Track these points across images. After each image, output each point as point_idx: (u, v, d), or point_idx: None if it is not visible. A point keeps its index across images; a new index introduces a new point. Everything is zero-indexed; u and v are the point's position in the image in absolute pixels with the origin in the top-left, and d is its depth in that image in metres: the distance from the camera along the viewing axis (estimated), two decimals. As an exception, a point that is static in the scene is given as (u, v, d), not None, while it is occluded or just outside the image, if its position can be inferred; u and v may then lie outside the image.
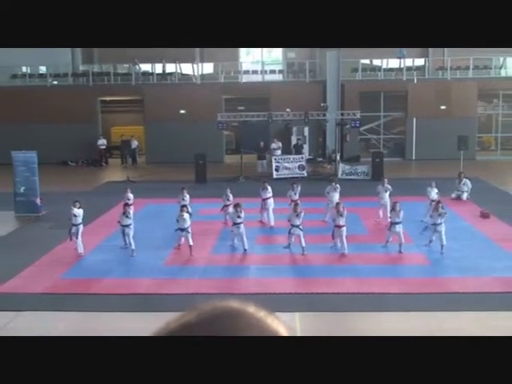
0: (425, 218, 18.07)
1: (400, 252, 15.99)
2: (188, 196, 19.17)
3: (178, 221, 16.37)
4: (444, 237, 15.95)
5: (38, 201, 21.55)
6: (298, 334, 11.54)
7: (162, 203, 20.57)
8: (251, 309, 1.15)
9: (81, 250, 16.23)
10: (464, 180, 23.03)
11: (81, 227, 16.32)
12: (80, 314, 12.63)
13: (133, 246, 16.18)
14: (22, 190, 21.65)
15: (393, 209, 16.44)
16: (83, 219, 16.54)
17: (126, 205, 17.44)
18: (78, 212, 16.25)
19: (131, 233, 16.37)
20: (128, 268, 15.50)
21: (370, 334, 11.17)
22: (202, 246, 17.19)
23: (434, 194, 19.39)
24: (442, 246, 15.91)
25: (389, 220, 16.79)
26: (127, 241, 16.38)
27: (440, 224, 15.96)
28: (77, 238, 16.24)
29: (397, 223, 16.07)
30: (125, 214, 16.47)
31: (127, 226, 16.39)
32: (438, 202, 17.02)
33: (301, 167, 29.43)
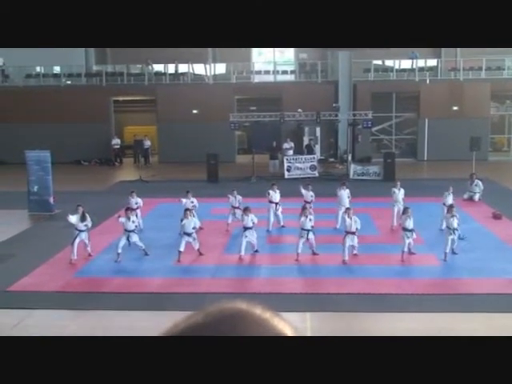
0: (443, 226, 17.62)
1: (411, 252, 15.74)
2: (195, 199, 18.90)
3: (184, 225, 16.19)
4: (456, 239, 15.71)
5: (51, 200, 21.69)
6: (309, 333, 11.44)
7: (174, 203, 20.57)
8: (258, 310, 1.17)
9: (90, 250, 16.19)
10: (476, 181, 22.92)
11: (84, 234, 16.05)
12: (92, 312, 12.69)
13: (143, 246, 16.17)
14: (35, 188, 21.80)
15: (404, 213, 16.07)
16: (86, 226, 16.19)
17: (128, 209, 16.78)
18: (74, 219, 15.94)
19: (137, 237, 16.16)
20: (139, 267, 15.53)
21: (380, 334, 11.16)
22: (214, 245, 17.23)
23: (450, 199, 18.83)
24: (452, 249, 15.69)
25: (401, 225, 16.26)
26: (138, 246, 16.11)
27: (455, 228, 15.65)
28: (88, 241, 16.06)
29: (409, 230, 15.65)
30: (129, 219, 16.08)
31: (132, 231, 16.06)
32: (451, 205, 16.64)
33: (312, 167, 29.42)
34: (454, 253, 15.74)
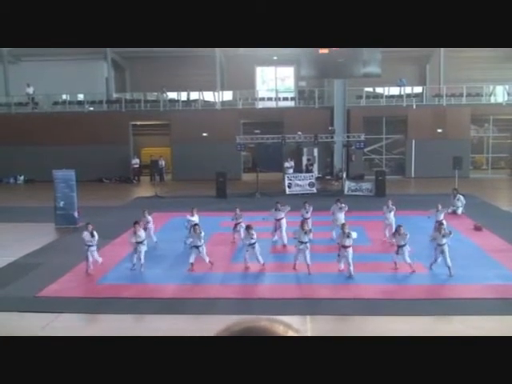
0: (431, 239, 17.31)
1: (412, 272, 14.91)
2: (197, 216, 18.36)
3: (192, 239, 15.77)
4: (448, 258, 14.70)
5: (76, 214, 21.75)
6: (309, 334, 11.49)
7: (187, 217, 20.58)
8: (280, 328, 1.10)
9: (93, 265, 15.60)
10: (458, 196, 22.87)
11: (94, 248, 15.68)
12: (112, 316, 12.66)
13: (142, 261, 15.55)
14: (61, 204, 21.87)
15: (397, 232, 15.28)
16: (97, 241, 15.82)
17: (136, 223, 15.98)
18: (89, 235, 15.55)
19: (144, 249, 15.63)
20: (155, 275, 15.47)
21: (373, 335, 11.10)
22: (223, 255, 17.20)
23: (441, 215, 18.37)
24: (448, 267, 14.68)
25: (393, 243, 15.77)
26: (140, 258, 15.56)
27: (444, 244, 14.83)
28: (98, 260, 15.69)
29: (403, 246, 15.05)
30: (135, 233, 15.61)
31: (141, 242, 15.69)
32: (441, 223, 16.00)
33: (311, 184, 29.42)
34: (450, 275, 14.63)
